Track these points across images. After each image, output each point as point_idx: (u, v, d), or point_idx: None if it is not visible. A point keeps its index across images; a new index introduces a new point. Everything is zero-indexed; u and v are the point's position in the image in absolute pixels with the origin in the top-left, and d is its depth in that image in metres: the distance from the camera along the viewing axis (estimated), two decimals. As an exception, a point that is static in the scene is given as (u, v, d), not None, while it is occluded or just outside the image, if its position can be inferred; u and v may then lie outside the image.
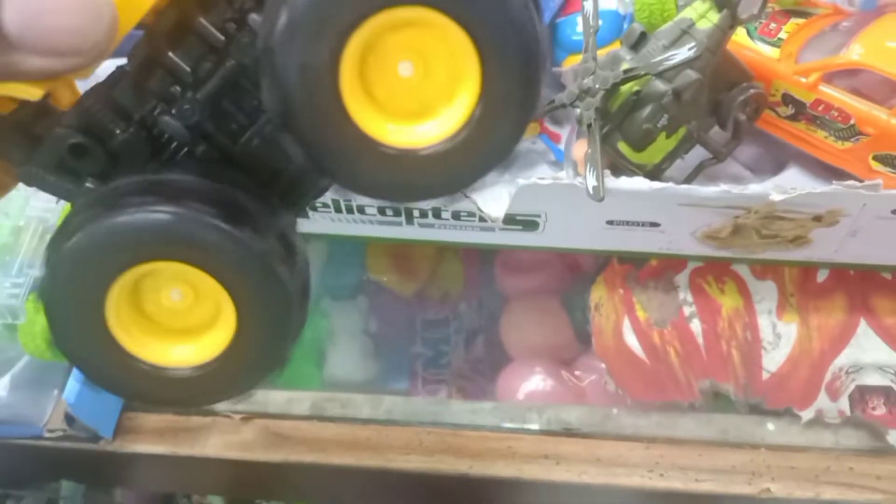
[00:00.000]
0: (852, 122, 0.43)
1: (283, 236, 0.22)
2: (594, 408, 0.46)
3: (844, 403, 0.42)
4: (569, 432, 0.45)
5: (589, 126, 0.42)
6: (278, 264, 0.21)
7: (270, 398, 0.48)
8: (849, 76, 0.45)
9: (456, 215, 0.48)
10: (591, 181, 0.40)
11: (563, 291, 0.58)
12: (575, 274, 0.58)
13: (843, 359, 0.44)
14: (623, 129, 0.43)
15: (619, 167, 0.44)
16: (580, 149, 0.47)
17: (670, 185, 0.41)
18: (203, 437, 0.47)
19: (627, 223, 0.45)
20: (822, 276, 0.46)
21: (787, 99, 0.45)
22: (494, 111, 0.20)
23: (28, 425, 0.46)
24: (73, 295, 0.21)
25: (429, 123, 0.20)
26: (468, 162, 0.21)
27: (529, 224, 0.47)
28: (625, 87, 0.42)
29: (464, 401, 0.48)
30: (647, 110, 0.42)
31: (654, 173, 0.44)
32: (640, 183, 0.41)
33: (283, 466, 0.46)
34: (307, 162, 0.21)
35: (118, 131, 0.23)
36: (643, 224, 0.44)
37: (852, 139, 0.43)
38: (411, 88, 0.20)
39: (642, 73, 0.41)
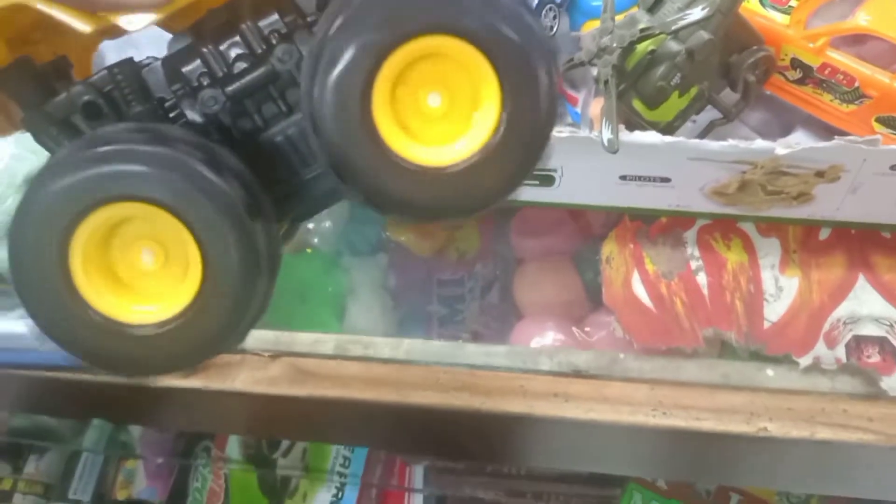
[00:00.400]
0: (857, 85, 0.45)
1: (261, 202, 0.22)
2: (602, 352, 0.49)
3: (841, 352, 0.45)
4: (577, 374, 0.47)
5: (606, 82, 0.44)
6: (250, 216, 0.21)
7: (297, 339, 0.51)
8: (855, 44, 0.47)
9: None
10: (607, 134, 0.43)
11: (575, 253, 0.61)
12: (586, 236, 0.61)
13: (842, 311, 0.46)
14: (638, 87, 0.45)
15: (634, 124, 0.47)
16: (596, 107, 0.49)
17: (681, 139, 0.43)
18: (233, 373, 0.50)
19: (640, 178, 0.47)
20: (824, 234, 0.49)
21: (796, 63, 0.47)
22: (515, 128, 0.21)
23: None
24: (37, 238, 0.21)
25: (454, 143, 0.22)
26: (494, 177, 0.22)
27: (546, 179, 0.49)
28: (640, 47, 0.44)
29: (478, 345, 0.50)
30: (661, 69, 0.44)
31: (667, 131, 0.46)
32: (652, 137, 0.43)
33: (308, 401, 0.48)
34: (339, 181, 0.22)
35: (135, 103, 0.23)
36: (654, 179, 0.47)
37: (856, 101, 0.45)
38: (438, 114, 0.22)
39: (657, 31, 0.43)
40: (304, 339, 0.51)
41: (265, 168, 0.24)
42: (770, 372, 0.45)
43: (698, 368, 0.46)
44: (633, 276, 0.50)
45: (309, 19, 0.24)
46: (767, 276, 0.48)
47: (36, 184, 0.21)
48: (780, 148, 0.41)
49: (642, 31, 0.43)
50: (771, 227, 0.49)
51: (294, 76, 0.23)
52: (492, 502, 0.90)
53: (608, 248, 0.52)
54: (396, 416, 0.48)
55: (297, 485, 0.91)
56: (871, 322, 0.45)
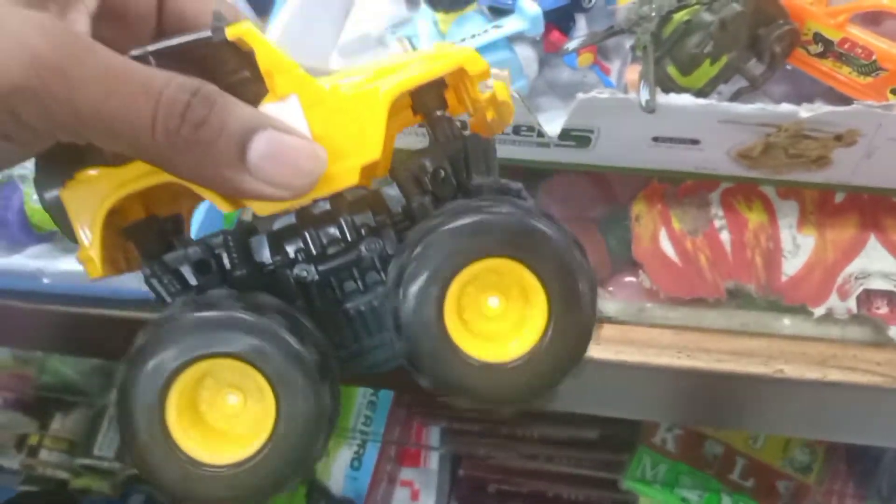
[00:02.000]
0: (874, 58, 0.49)
1: (331, 366, 0.27)
2: (630, 302, 0.52)
3: (852, 303, 0.49)
4: (608, 320, 0.51)
5: (644, 48, 0.48)
6: (321, 377, 0.26)
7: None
8: (873, 22, 0.51)
9: (516, 130, 0.54)
10: (645, 95, 0.47)
11: (600, 220, 0.64)
12: (612, 205, 0.65)
13: (853, 267, 0.50)
14: (673, 53, 0.49)
15: (668, 89, 0.50)
16: (633, 73, 0.53)
17: (712, 101, 0.47)
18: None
19: (671, 140, 0.51)
20: (839, 198, 0.52)
21: (818, 38, 0.51)
22: (560, 334, 0.26)
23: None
24: (143, 384, 0.25)
25: (509, 343, 0.27)
26: (544, 373, 0.27)
27: (582, 140, 0.53)
28: (677, 16, 0.48)
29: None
30: (695, 37, 0.48)
31: (698, 97, 0.50)
32: (685, 99, 0.47)
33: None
34: (412, 368, 0.27)
35: (239, 266, 0.28)
36: (685, 141, 0.50)
37: (873, 74, 0.49)
38: (496, 314, 0.27)
39: (693, 2, 0.47)
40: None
41: (336, 332, 0.29)
42: (786, 321, 0.49)
43: (720, 317, 0.50)
44: (660, 233, 0.54)
45: (395, 219, 0.28)
46: (786, 235, 0.52)
47: (149, 335, 0.25)
48: (804, 111, 0.45)
49: (679, 1, 0.47)
50: (790, 190, 0.53)
51: (375, 263, 0.28)
52: (504, 463, 0.93)
53: (637, 208, 0.56)
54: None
55: (320, 441, 0.95)
56: (880, 277, 0.49)
